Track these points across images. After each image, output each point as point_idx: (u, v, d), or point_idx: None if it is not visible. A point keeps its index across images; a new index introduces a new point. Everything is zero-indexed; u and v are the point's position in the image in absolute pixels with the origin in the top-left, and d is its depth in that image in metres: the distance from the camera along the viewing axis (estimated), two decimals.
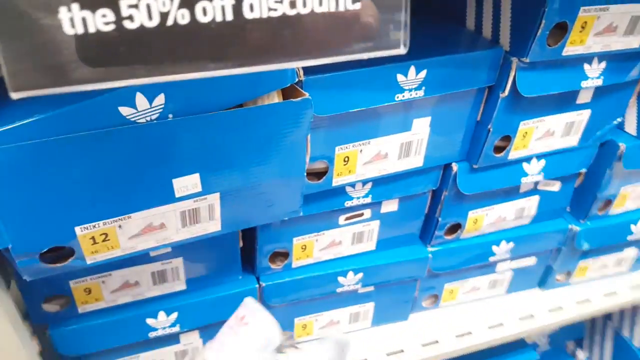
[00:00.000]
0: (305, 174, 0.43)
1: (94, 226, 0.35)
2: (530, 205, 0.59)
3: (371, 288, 0.57)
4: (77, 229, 0.35)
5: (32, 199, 0.33)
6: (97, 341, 0.47)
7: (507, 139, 0.50)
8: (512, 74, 0.45)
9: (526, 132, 0.50)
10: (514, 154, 0.51)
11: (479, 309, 0.65)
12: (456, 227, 0.57)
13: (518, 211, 0.58)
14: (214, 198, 0.38)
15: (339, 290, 0.55)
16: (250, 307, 0.41)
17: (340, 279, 0.54)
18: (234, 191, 0.39)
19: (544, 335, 0.86)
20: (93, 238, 0.36)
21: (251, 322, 0.39)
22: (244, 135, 0.36)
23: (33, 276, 0.36)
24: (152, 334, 0.49)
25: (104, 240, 0.37)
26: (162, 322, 0.49)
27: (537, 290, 0.68)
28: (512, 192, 0.57)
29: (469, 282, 0.63)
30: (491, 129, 0.48)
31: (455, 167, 0.51)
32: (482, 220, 0.57)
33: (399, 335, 0.61)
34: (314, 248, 0.52)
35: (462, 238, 0.58)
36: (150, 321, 0.48)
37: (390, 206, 0.53)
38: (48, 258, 0.36)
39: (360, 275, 0.54)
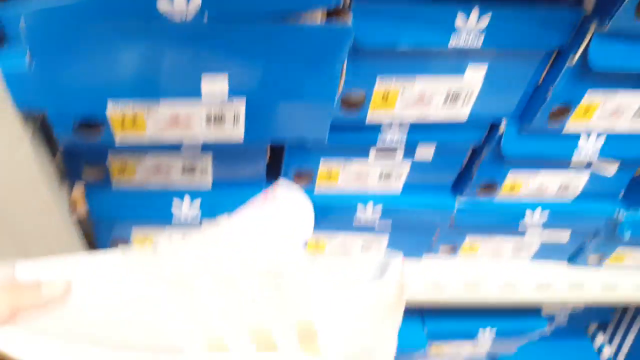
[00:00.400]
0: (339, 102, 0.43)
1: (125, 105, 0.37)
2: (578, 183, 0.55)
3: (389, 223, 0.57)
4: (109, 106, 0.37)
5: (71, 70, 0.35)
6: (127, 212, 0.52)
7: (567, 109, 0.46)
8: (586, 40, 0.40)
9: (589, 106, 0.46)
10: (571, 126, 0.48)
11: (496, 267, 0.64)
12: (491, 187, 0.55)
13: (563, 186, 0.55)
14: (240, 104, 0.39)
15: (356, 221, 0.56)
16: (281, 187, 0.36)
17: (360, 209, 0.55)
18: (259, 102, 0.39)
19: (564, 311, 0.85)
20: (123, 119, 0.38)
21: (281, 200, 0.35)
22: (278, 50, 0.36)
23: (68, 144, 0.39)
24: (175, 220, 0.53)
25: (132, 124, 0.39)
26: (185, 211, 0.52)
27: (564, 264, 0.66)
28: (560, 165, 0.53)
29: (493, 241, 0.62)
30: (550, 96, 0.44)
31: (503, 126, 0.48)
32: (521, 186, 0.54)
33: (407, 270, 0.62)
34: (339, 175, 0.52)
35: (496, 199, 0.56)
36: (175, 209, 0.52)
37: (425, 153, 0.51)
38: (84, 129, 0.39)
39: (379, 209, 0.55)
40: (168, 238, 0.34)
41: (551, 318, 0.84)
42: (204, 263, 0.32)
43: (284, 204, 0.35)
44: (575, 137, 0.49)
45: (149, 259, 0.32)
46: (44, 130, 0.42)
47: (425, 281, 0.61)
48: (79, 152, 0.47)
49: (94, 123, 0.39)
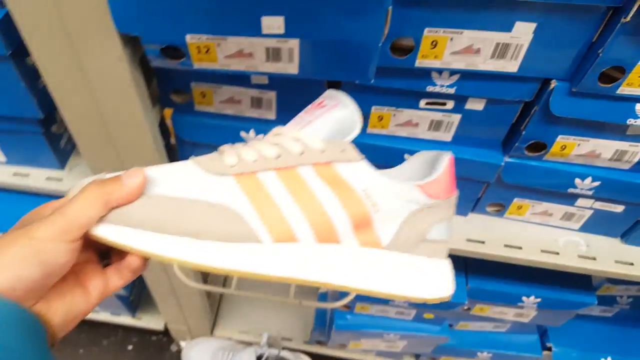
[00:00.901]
0: (388, 47, 0.47)
1: (199, 38, 0.45)
2: (636, 150, 0.55)
3: None
4: (187, 37, 0.45)
5: (160, 4, 0.43)
6: (204, 134, 0.60)
7: (620, 71, 0.46)
8: None
9: None
10: (625, 89, 0.48)
11: (542, 231, 0.65)
12: (541, 147, 0.56)
13: (618, 152, 0.55)
14: (294, 43, 0.44)
15: None
16: (331, 94, 0.40)
17: (407, 156, 0.58)
18: (311, 41, 0.44)
19: (628, 294, 0.82)
20: (198, 48, 0.46)
21: (330, 104, 0.38)
22: None
23: (156, 64, 0.47)
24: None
25: (206, 52, 0.46)
26: (252, 138, 0.60)
27: (617, 240, 0.65)
28: (616, 130, 0.53)
29: (541, 205, 0.63)
30: (601, 55, 0.45)
31: (553, 83, 0.49)
32: (572, 148, 0.55)
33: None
34: (390, 121, 0.56)
35: (545, 159, 0.57)
36: (243, 134, 0.59)
37: (476, 104, 0.54)
38: (169, 54, 0.47)
39: None
40: (232, 145, 0.39)
41: (612, 300, 0.82)
42: (267, 160, 0.36)
43: (332, 107, 0.38)
44: (631, 102, 0.49)
45: (216, 162, 0.37)
46: (143, 59, 0.51)
47: (469, 238, 0.64)
48: (169, 79, 0.56)
49: (176, 48, 0.47)
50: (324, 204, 0.36)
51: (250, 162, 0.36)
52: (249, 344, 1.04)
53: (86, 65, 0.48)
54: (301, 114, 0.40)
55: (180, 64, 0.48)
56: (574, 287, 0.74)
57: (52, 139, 0.63)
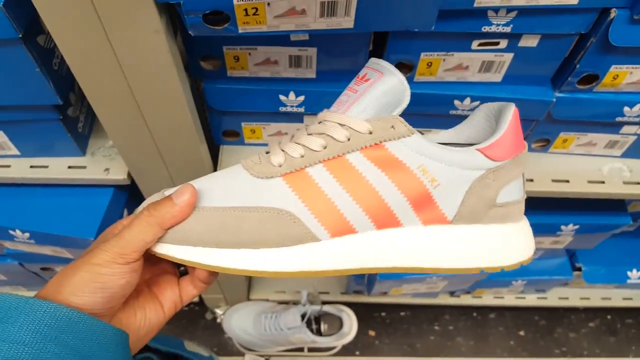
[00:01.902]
0: None
1: None
2: None
3: None
4: None
5: None
6: (238, 102, 0.56)
7: None
8: None
9: None
10: None
11: (585, 161, 0.65)
12: (592, 78, 0.54)
13: None
14: None
15: (452, 112, 0.57)
16: (373, 65, 0.37)
17: (457, 102, 0.56)
18: None
19: None
20: (246, 10, 0.41)
21: (373, 77, 0.36)
22: None
23: (196, 32, 0.43)
24: (282, 109, 0.57)
25: (254, 14, 0.42)
26: (291, 101, 0.56)
27: None
28: None
29: (587, 136, 0.62)
30: None
31: (613, 12, 0.47)
32: (624, 77, 0.54)
33: None
34: (439, 67, 0.54)
35: (595, 91, 0.56)
36: (282, 97, 0.56)
37: (529, 41, 0.51)
38: (209, 20, 0.43)
39: (477, 103, 0.56)
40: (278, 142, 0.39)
41: (637, 216, 0.84)
42: (313, 154, 0.35)
43: (377, 80, 0.35)
44: None
45: (264, 164, 0.36)
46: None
47: None
48: (198, 45, 0.51)
49: (219, 13, 0.42)
50: (378, 189, 0.35)
51: (297, 159, 0.35)
52: (286, 303, 1.04)
53: (116, 40, 0.43)
54: (346, 92, 0.38)
55: (224, 30, 0.43)
56: (609, 210, 0.76)
57: (69, 124, 0.58)
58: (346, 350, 1.11)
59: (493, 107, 0.40)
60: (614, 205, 0.76)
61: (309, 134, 0.37)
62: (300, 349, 1.07)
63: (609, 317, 1.22)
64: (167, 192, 0.37)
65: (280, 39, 0.50)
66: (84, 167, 0.62)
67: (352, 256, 0.36)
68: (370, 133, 0.35)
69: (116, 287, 0.33)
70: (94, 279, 0.32)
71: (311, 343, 0.98)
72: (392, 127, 0.35)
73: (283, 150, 0.36)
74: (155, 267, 0.41)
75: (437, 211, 0.36)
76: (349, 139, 0.35)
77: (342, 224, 0.35)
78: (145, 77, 0.46)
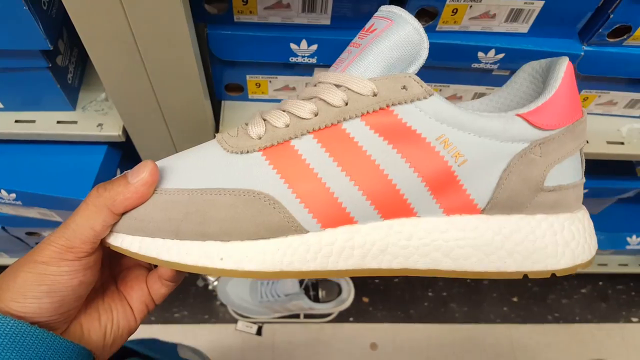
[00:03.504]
0: None
1: None
2: None
3: (506, 72, 0.56)
4: None
5: None
6: (245, 51, 0.52)
7: None
8: None
9: None
10: None
11: (604, 121, 0.63)
12: (624, 31, 0.51)
13: None
14: None
15: (474, 65, 0.54)
16: (382, 12, 0.29)
17: (480, 54, 0.53)
18: None
19: None
20: None
21: (382, 27, 0.28)
22: None
23: None
24: (292, 59, 0.53)
25: None
26: (303, 50, 0.52)
27: None
28: None
29: (608, 95, 0.60)
30: None
31: None
32: None
33: None
34: (465, 15, 0.50)
35: (625, 45, 0.53)
36: (293, 46, 0.51)
37: None
38: None
39: (501, 55, 0.53)
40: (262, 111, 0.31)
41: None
42: (301, 122, 0.28)
43: (384, 30, 0.28)
44: None
45: (240, 136, 0.30)
46: None
47: None
48: None
49: None
50: (383, 167, 0.27)
51: (281, 129, 0.28)
52: None
53: None
54: (348, 48, 0.30)
55: None
56: (618, 174, 0.74)
57: (58, 74, 0.53)
58: (340, 316, 1.10)
59: (540, 66, 0.33)
60: (623, 169, 0.75)
61: (299, 97, 0.30)
62: (296, 316, 1.05)
63: (600, 283, 1.23)
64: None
65: None
66: (75, 122, 0.57)
67: (349, 253, 0.28)
68: (375, 95, 0.27)
69: (67, 289, 0.27)
70: (38, 280, 0.26)
71: (309, 310, 0.97)
72: (404, 87, 0.27)
73: (264, 120, 0.30)
74: (127, 259, 0.35)
75: (463, 196, 0.29)
76: (346, 103, 0.28)
77: (337, 212, 0.28)
78: (149, 14, 0.41)
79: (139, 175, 0.28)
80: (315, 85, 0.30)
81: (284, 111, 0.29)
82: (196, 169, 0.29)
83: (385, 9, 0.29)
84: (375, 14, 0.31)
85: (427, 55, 0.28)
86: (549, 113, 0.29)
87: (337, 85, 0.28)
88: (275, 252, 0.27)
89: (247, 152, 0.29)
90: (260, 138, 0.29)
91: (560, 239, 0.30)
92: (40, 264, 0.26)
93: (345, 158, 0.27)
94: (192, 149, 0.32)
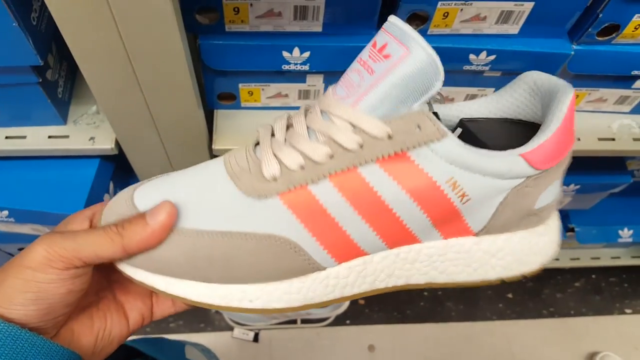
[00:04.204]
0: None
1: None
2: None
3: (498, 74, 0.56)
4: None
5: None
6: (237, 60, 0.52)
7: None
8: None
9: None
10: None
11: (594, 118, 0.63)
12: (612, 30, 0.52)
13: None
14: None
15: (465, 67, 0.54)
16: (394, 31, 0.27)
17: (472, 57, 0.53)
18: None
19: None
20: None
21: (395, 53, 0.26)
22: None
23: None
24: (284, 67, 0.52)
25: None
26: (295, 58, 0.52)
27: None
28: None
29: (598, 92, 0.60)
30: None
31: None
32: None
33: None
34: (455, 18, 0.50)
35: (614, 43, 0.53)
36: (285, 54, 0.51)
37: None
38: None
39: (493, 57, 0.53)
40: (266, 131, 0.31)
41: (632, 172, 0.84)
42: (317, 165, 0.28)
43: (400, 60, 0.26)
44: None
45: (256, 177, 0.29)
46: None
47: None
48: None
49: None
50: (395, 210, 0.28)
51: (296, 172, 0.28)
52: None
53: None
54: (357, 67, 0.28)
55: None
56: (609, 169, 0.75)
57: (49, 88, 0.52)
58: (337, 320, 1.10)
59: (542, 82, 0.32)
60: (614, 164, 0.76)
61: (309, 130, 0.29)
62: (293, 321, 1.05)
63: (593, 276, 1.25)
64: (138, 195, 0.30)
65: None
66: (66, 137, 0.56)
67: (362, 281, 0.31)
68: (390, 138, 0.27)
69: (54, 297, 0.26)
70: (25, 287, 0.25)
71: (305, 315, 0.96)
72: (418, 126, 0.27)
73: (277, 158, 0.29)
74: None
75: (462, 225, 0.31)
76: (361, 147, 0.27)
77: (351, 249, 0.29)
78: (140, 27, 0.41)
79: (158, 216, 0.28)
80: (324, 114, 0.29)
81: (296, 149, 0.28)
82: (213, 210, 0.29)
83: (397, 27, 0.27)
84: (386, 28, 0.28)
85: (440, 87, 0.27)
86: (548, 152, 0.29)
87: (352, 125, 0.27)
88: (299, 292, 0.29)
89: (265, 197, 0.28)
90: (275, 180, 0.28)
91: (534, 247, 0.33)
92: (28, 269, 0.26)
93: (362, 203, 0.28)
94: (195, 172, 0.31)
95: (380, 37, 0.28)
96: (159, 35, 0.42)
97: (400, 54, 0.26)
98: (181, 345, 0.48)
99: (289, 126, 0.30)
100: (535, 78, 0.33)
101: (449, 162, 0.28)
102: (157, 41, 0.42)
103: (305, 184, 0.28)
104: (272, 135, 0.31)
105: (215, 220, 0.29)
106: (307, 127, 0.29)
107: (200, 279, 0.29)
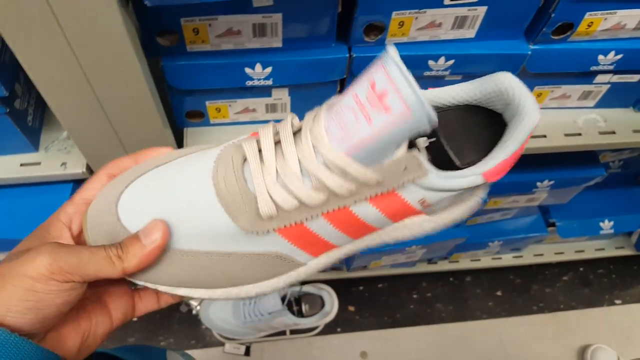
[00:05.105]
0: None
1: None
2: None
3: (458, 77, 0.57)
4: None
5: None
6: (201, 79, 0.52)
7: None
8: None
9: None
10: None
11: (561, 116, 0.64)
12: (567, 28, 0.53)
13: None
14: None
15: (426, 74, 0.55)
16: (394, 74, 0.25)
17: (431, 62, 0.54)
18: None
19: (619, 158, 0.86)
20: None
21: (398, 112, 0.25)
22: None
23: (153, 2, 0.39)
24: (248, 83, 0.53)
25: None
26: (258, 74, 0.53)
27: (629, 110, 0.66)
28: None
29: (560, 89, 0.61)
30: None
31: None
32: (599, 23, 0.53)
33: None
34: (411, 26, 0.51)
35: (569, 41, 0.55)
36: (248, 70, 0.52)
37: None
38: None
39: (451, 62, 0.54)
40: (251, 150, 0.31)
41: (606, 165, 0.85)
42: (311, 208, 0.30)
43: (399, 118, 0.26)
44: None
45: (251, 215, 0.30)
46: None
47: None
48: (153, 19, 0.46)
49: None
50: (369, 223, 0.32)
51: (292, 212, 0.30)
52: None
53: (63, 15, 0.38)
54: (352, 104, 0.27)
55: None
56: (582, 163, 0.76)
57: (17, 117, 0.53)
58: (328, 328, 1.10)
59: (512, 88, 0.31)
60: (587, 158, 0.77)
61: (302, 168, 0.29)
62: (283, 333, 1.05)
63: (581, 269, 1.26)
64: (123, 209, 0.31)
65: (242, 6, 0.46)
66: (38, 164, 0.56)
67: (329, 261, 0.35)
68: (380, 183, 0.29)
69: (50, 307, 0.27)
70: (25, 296, 0.26)
71: (293, 325, 0.97)
72: (405, 168, 0.28)
73: (271, 198, 0.29)
74: None
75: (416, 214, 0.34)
76: (353, 193, 0.29)
77: (327, 247, 0.34)
78: (99, 55, 0.42)
79: (152, 236, 0.29)
80: (315, 148, 0.28)
81: (290, 193, 0.29)
82: (209, 236, 0.31)
83: (398, 70, 0.25)
84: (386, 66, 0.26)
85: (430, 130, 0.27)
86: (501, 169, 0.31)
87: (344, 173, 0.28)
88: (286, 282, 0.34)
89: (264, 232, 0.31)
90: (271, 218, 0.30)
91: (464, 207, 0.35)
92: (29, 278, 0.26)
93: (346, 226, 0.31)
94: (183, 177, 0.31)
95: (380, 78, 0.26)
96: (117, 61, 0.43)
97: (401, 111, 0.25)
98: (163, 352, 0.49)
99: (276, 143, 0.30)
100: (505, 82, 0.32)
101: (424, 189, 0.30)
102: (116, 67, 0.43)
103: (301, 222, 0.30)
104: (259, 151, 0.30)
105: (212, 243, 0.31)
106: (299, 162, 0.29)
107: (201, 287, 0.33)
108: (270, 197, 0.29)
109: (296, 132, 0.30)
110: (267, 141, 0.30)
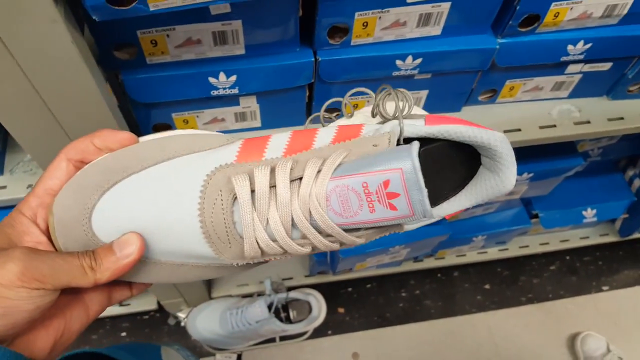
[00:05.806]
0: None
1: None
2: (626, 2, 0.52)
3: (428, 75, 0.56)
4: None
5: None
6: (164, 92, 0.51)
7: None
8: None
9: None
10: None
11: (535, 108, 0.64)
12: (533, 20, 0.52)
13: (609, 7, 0.52)
14: None
15: (395, 74, 0.54)
16: (411, 184, 0.27)
17: (399, 62, 0.53)
18: None
19: (598, 146, 0.86)
20: None
21: (402, 210, 0.28)
22: None
23: (101, 17, 0.37)
24: (214, 92, 0.52)
25: None
26: (222, 83, 0.51)
27: (603, 98, 0.65)
28: None
29: (532, 81, 0.61)
30: None
31: None
32: (565, 13, 0.52)
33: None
34: (375, 26, 0.50)
35: (537, 32, 0.54)
36: (212, 80, 0.51)
37: None
38: (114, 0, 0.37)
39: (419, 60, 0.53)
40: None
41: (586, 154, 0.85)
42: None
43: (407, 216, 0.28)
44: None
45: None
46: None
47: None
48: (107, 34, 0.45)
49: None
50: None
51: (277, 255, 0.31)
52: (250, 296, 1.00)
53: (7, 35, 0.37)
54: (359, 191, 0.28)
55: (132, 9, 0.38)
56: (560, 153, 0.76)
57: None
58: (318, 331, 1.09)
59: (501, 154, 0.31)
60: (565, 148, 0.76)
61: (293, 225, 0.29)
62: (272, 340, 1.04)
63: (567, 258, 1.26)
64: (97, 219, 0.30)
65: (199, 14, 0.45)
66: (4, 187, 0.55)
67: None
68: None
69: (21, 312, 0.26)
70: None
71: (282, 332, 0.95)
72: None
73: (259, 246, 0.29)
74: None
75: None
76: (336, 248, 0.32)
77: None
78: (51, 75, 0.40)
79: (127, 249, 0.29)
80: (311, 213, 0.28)
81: (280, 247, 0.30)
82: (186, 256, 0.31)
83: (416, 183, 0.27)
84: (406, 174, 0.27)
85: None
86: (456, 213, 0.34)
87: (337, 240, 0.30)
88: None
89: (243, 263, 0.31)
90: (254, 259, 0.31)
91: None
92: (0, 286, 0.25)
93: None
94: (163, 198, 0.30)
95: (395, 181, 0.27)
96: (70, 79, 0.41)
97: (405, 213, 0.28)
98: (157, 347, 0.48)
99: (271, 187, 0.29)
100: (498, 148, 0.31)
101: None
102: (70, 85, 0.42)
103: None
104: (252, 191, 0.29)
105: (189, 259, 0.31)
106: (292, 218, 0.29)
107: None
108: (258, 244, 0.29)
109: (293, 180, 0.29)
110: (261, 186, 0.29)
